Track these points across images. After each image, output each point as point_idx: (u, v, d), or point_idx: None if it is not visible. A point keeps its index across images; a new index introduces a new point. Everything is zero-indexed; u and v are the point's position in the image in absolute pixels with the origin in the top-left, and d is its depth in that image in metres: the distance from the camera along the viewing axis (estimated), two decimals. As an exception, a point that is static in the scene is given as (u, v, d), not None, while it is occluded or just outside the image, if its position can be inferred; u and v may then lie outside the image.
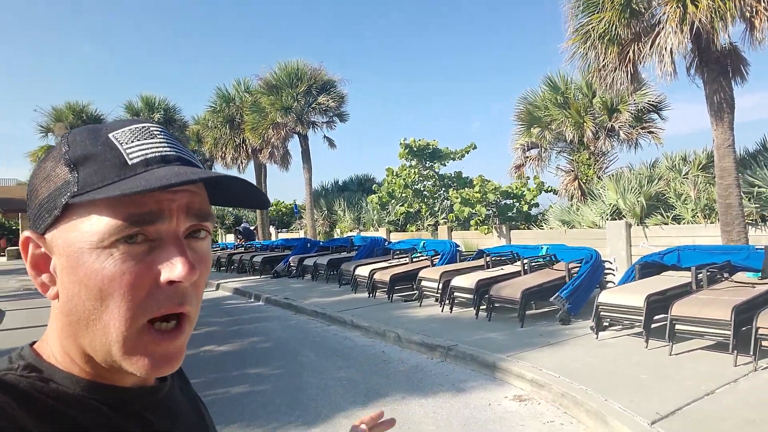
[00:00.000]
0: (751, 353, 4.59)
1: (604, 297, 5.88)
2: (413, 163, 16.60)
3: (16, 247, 28.03)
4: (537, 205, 15.39)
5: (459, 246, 10.54)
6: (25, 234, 0.53)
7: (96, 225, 0.48)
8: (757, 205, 8.77)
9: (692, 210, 9.94)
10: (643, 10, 7.28)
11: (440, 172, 17.02)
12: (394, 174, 16.64)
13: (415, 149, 16.11)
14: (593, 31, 7.35)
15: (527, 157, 14.14)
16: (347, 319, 7.74)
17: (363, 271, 9.93)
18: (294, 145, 18.75)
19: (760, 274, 5.81)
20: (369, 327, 7.19)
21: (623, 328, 6.13)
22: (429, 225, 16.64)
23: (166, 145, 0.53)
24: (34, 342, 0.57)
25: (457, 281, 7.78)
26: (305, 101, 17.07)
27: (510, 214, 14.98)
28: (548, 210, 13.83)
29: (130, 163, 0.50)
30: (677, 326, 5.11)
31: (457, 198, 13.81)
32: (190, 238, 0.53)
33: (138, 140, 0.52)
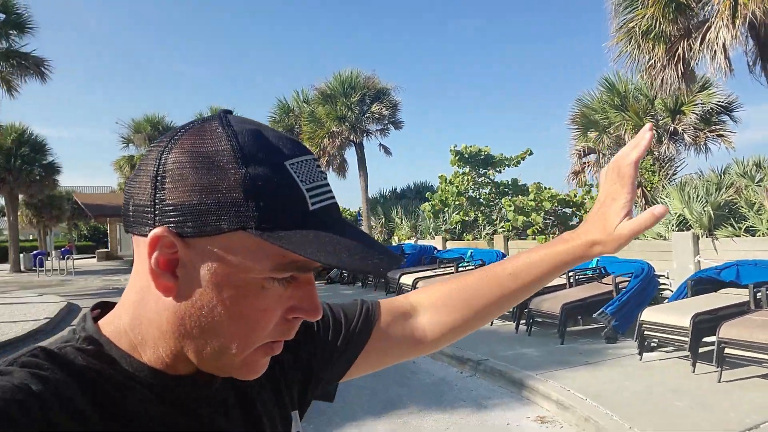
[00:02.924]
0: (810, 384, 4.07)
1: (648, 315, 5.46)
2: (466, 170, 16.30)
3: (106, 250, 30.39)
4: (600, 214, 14.56)
5: (506, 256, 10.19)
6: (160, 232, 0.48)
7: (260, 258, 0.48)
8: (843, 216, 7.80)
9: (767, 221, 9.01)
10: (692, 4, 6.69)
11: (496, 180, 16.60)
12: (447, 181, 16.42)
13: (466, 156, 15.82)
14: (637, 27, 6.85)
15: (585, 163, 13.45)
16: (383, 328, 7.69)
17: (407, 279, 9.87)
18: (351, 154, 19.02)
19: (833, 294, 5.16)
20: (403, 337, 7.10)
21: (675, 350, 5.65)
22: (486, 234, 16.24)
23: (329, 188, 0.53)
24: (103, 311, 0.57)
25: (497, 293, 7.52)
26: (359, 110, 17.27)
27: (572, 223, 14.30)
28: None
29: (311, 209, 0.50)
30: (726, 350, 4.64)
31: (510, 206, 13.39)
32: None
33: (312, 181, 0.51)
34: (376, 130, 17.99)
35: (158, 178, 0.49)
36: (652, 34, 6.79)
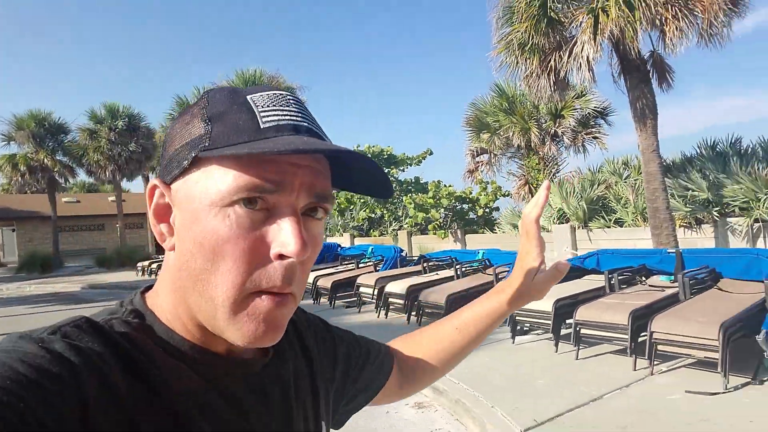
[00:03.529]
0: (646, 357, 4.64)
1: (519, 302, 5.92)
2: (372, 168, 16.62)
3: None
4: (497, 209, 15.51)
5: (403, 251, 10.55)
6: (153, 182, 0.54)
7: (218, 182, 0.48)
8: (690, 208, 8.93)
9: (632, 213, 10.09)
10: (563, 20, 7.39)
11: (400, 178, 17.07)
12: (353, 180, 16.64)
13: (370, 155, 16.15)
14: (515, 40, 7.45)
15: (478, 162, 14.23)
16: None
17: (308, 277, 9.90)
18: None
19: (672, 277, 5.90)
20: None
21: (543, 332, 6.17)
22: (393, 230, 16.67)
23: (299, 114, 0.53)
24: (150, 287, 0.58)
25: (391, 287, 7.77)
26: (264, 108, 16.98)
27: (469, 218, 15.07)
28: (502, 214, 13.95)
29: (262, 126, 0.50)
30: (582, 330, 5.15)
31: (410, 203, 13.84)
32: (306, 216, 0.52)
33: (273, 106, 0.52)
34: (281, 128, 17.79)
35: (162, 146, 0.56)
36: (528, 47, 7.41)
